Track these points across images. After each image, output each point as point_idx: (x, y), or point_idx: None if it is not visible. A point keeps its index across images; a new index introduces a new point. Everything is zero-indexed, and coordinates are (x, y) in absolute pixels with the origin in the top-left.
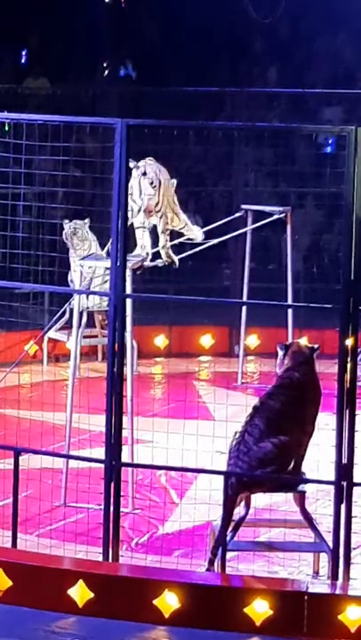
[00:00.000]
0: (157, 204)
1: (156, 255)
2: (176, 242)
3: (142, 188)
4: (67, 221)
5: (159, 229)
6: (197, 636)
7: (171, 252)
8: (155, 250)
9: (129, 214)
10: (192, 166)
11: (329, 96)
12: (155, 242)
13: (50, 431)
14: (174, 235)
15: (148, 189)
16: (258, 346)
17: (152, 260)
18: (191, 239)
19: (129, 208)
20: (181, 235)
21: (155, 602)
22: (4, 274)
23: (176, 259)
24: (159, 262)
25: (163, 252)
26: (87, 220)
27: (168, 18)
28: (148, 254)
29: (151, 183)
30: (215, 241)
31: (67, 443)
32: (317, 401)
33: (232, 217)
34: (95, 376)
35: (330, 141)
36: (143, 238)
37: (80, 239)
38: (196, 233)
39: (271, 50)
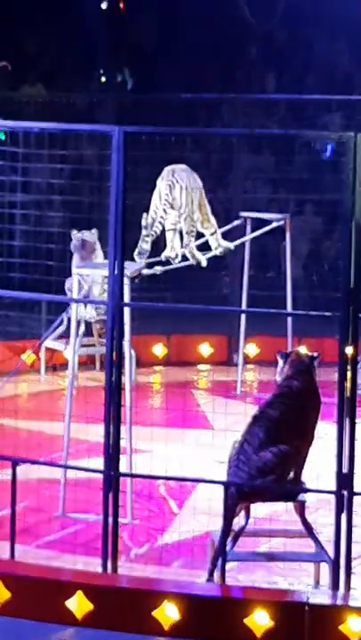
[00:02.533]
0: (180, 206)
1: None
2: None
3: (161, 193)
4: (75, 232)
5: (183, 230)
6: None
7: (195, 251)
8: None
9: (153, 219)
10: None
11: (328, 102)
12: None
13: (48, 441)
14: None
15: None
16: (257, 354)
17: (166, 264)
18: (217, 251)
19: (153, 213)
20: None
21: (154, 613)
22: (1, 283)
23: (203, 258)
24: (157, 269)
25: (187, 252)
26: (94, 231)
27: (165, 25)
28: (177, 255)
29: (170, 187)
30: (212, 253)
31: (65, 453)
32: (317, 410)
33: (231, 225)
34: (93, 385)
35: (329, 148)
36: (173, 240)
37: (88, 251)
38: (223, 244)
39: (269, 56)
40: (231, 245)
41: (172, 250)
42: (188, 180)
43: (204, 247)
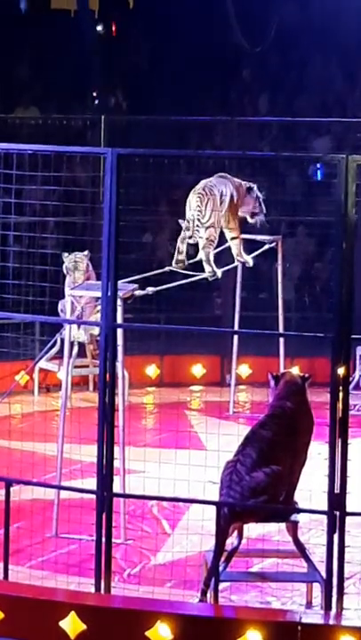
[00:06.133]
0: (206, 217)
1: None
2: (167, 269)
3: (191, 204)
4: (66, 254)
5: (202, 243)
6: None
7: (212, 261)
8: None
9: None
10: (184, 195)
11: (320, 124)
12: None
13: (41, 462)
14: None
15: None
16: (250, 375)
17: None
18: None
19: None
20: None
21: (147, 633)
22: None
23: (219, 271)
24: (149, 290)
25: (203, 260)
26: (87, 252)
27: (159, 47)
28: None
29: (200, 198)
30: (206, 274)
31: (58, 473)
32: (310, 430)
33: (224, 246)
34: (86, 406)
35: (320, 170)
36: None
37: (81, 272)
38: (244, 256)
39: (262, 79)
40: (250, 260)
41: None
42: (219, 192)
43: (199, 267)
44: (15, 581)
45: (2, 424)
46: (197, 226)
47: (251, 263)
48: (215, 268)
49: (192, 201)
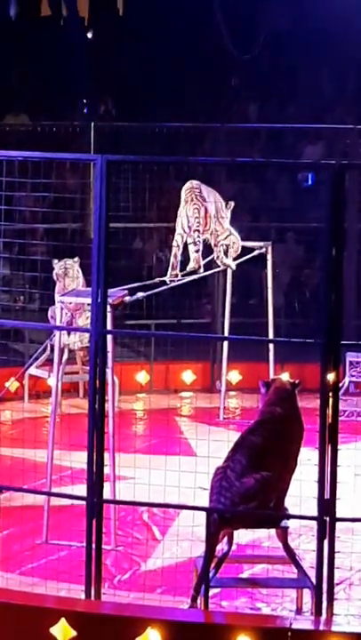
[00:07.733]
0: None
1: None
2: (157, 280)
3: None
4: (56, 261)
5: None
6: None
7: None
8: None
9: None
10: (173, 201)
11: (310, 131)
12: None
13: (31, 468)
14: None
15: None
16: (239, 381)
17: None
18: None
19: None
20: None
21: (137, 639)
22: None
23: (232, 263)
24: (139, 295)
25: (218, 262)
26: (77, 259)
27: (148, 54)
28: (200, 267)
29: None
30: (196, 276)
31: (48, 480)
32: (300, 436)
33: (213, 254)
34: (76, 412)
35: (310, 176)
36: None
37: (72, 279)
38: (225, 260)
39: (251, 86)
40: (232, 264)
41: (195, 262)
42: (209, 198)
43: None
44: (5, 588)
45: None
46: (197, 232)
47: (233, 267)
48: (229, 261)
49: (189, 210)
